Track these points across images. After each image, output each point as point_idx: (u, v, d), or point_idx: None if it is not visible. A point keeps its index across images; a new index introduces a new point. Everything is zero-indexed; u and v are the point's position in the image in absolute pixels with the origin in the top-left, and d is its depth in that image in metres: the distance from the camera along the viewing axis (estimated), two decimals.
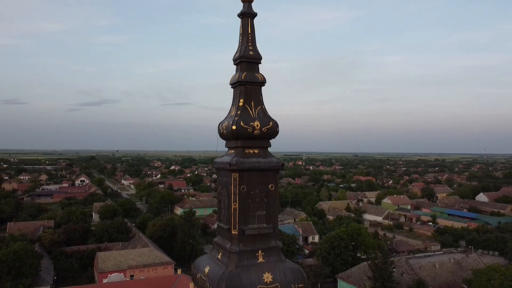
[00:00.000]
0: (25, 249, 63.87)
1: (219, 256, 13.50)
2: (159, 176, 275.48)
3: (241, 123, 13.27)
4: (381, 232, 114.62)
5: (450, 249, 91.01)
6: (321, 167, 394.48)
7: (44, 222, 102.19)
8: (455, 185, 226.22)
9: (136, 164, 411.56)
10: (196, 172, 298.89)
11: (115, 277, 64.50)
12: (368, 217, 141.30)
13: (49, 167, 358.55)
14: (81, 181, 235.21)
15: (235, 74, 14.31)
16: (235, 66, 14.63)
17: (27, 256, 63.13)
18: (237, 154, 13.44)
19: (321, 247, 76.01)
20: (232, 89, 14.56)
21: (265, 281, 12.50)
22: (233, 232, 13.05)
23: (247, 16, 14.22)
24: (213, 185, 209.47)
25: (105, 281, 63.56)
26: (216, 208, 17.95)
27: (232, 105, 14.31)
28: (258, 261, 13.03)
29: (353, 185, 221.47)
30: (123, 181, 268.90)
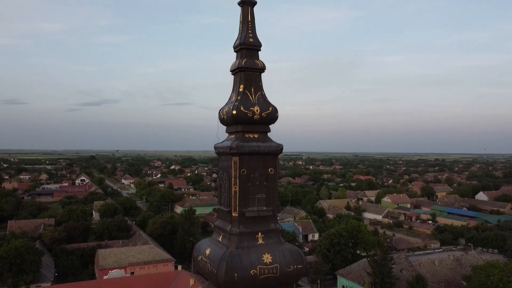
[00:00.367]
0: (26, 246, 64.18)
1: (220, 239, 13.71)
2: (159, 175, 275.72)
3: (241, 108, 13.45)
4: (381, 230, 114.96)
5: (449, 247, 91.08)
6: (321, 167, 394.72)
7: (44, 220, 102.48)
8: (455, 184, 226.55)
9: (136, 164, 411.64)
10: (196, 172, 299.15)
11: (115, 273, 64.61)
12: (368, 215, 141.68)
13: (49, 167, 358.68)
14: (81, 180, 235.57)
15: (235, 61, 14.52)
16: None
17: (28, 253, 63.44)
18: (237, 138, 13.65)
19: (321, 244, 76.28)
20: (233, 76, 14.78)
21: (264, 261, 12.70)
22: (233, 215, 13.25)
23: (247, 4, 14.43)
24: (213, 184, 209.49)
25: (105, 277, 63.62)
26: (217, 195, 18.17)
27: (233, 91, 14.51)
28: (258, 243, 13.23)
29: (353, 184, 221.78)
30: (123, 181, 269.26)
